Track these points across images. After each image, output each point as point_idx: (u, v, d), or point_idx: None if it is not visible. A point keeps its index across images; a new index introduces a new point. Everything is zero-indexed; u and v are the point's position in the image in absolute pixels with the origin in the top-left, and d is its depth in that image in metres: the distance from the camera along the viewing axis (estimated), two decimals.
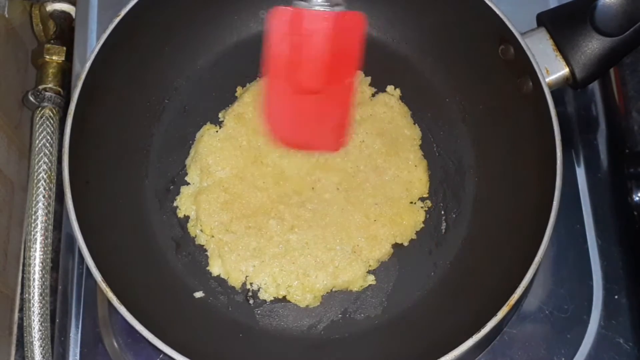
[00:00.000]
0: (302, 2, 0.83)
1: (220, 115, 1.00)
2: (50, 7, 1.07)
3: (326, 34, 0.84)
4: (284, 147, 0.93)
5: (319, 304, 0.91)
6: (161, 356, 0.90)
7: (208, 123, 0.99)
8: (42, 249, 0.93)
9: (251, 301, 0.91)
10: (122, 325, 0.91)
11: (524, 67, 0.87)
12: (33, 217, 0.94)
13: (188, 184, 0.96)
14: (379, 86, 1.01)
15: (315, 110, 0.88)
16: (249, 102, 0.99)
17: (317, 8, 0.83)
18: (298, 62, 0.86)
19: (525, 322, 0.92)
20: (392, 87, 1.02)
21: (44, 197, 0.94)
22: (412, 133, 0.99)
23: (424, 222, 0.95)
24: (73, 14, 1.08)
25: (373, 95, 1.01)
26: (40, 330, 0.90)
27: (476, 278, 0.90)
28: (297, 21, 0.84)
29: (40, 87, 1.01)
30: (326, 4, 0.83)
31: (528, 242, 0.82)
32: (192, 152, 0.98)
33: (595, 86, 1.04)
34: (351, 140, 0.97)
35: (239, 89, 1.01)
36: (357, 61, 0.86)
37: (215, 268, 0.92)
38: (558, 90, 0.91)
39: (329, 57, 0.85)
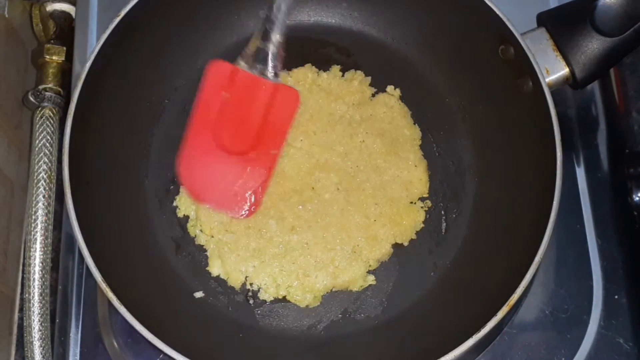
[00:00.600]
0: (244, 65, 0.88)
1: None
2: (50, 7, 1.07)
3: (260, 101, 0.87)
4: (192, 198, 0.93)
5: (319, 304, 0.91)
6: (161, 356, 0.90)
7: None
8: (42, 249, 0.93)
9: (251, 301, 0.91)
10: (122, 325, 0.91)
11: (524, 67, 0.87)
12: (33, 217, 0.94)
13: None
14: (379, 86, 1.01)
15: (231, 172, 0.90)
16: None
17: (257, 74, 0.87)
18: (226, 121, 0.89)
19: (525, 322, 0.92)
20: (392, 87, 1.01)
21: (44, 197, 0.94)
22: (412, 133, 0.99)
23: (424, 222, 0.95)
24: (73, 14, 1.08)
25: (373, 95, 1.01)
26: (40, 330, 0.90)
27: (476, 278, 0.90)
28: (234, 80, 0.88)
29: (40, 87, 1.01)
30: (268, 74, 0.88)
31: (528, 242, 0.82)
32: None
33: (595, 86, 1.04)
34: (351, 140, 0.97)
35: None
36: (284, 135, 0.90)
37: (215, 268, 0.92)
38: (558, 90, 0.91)
39: (257, 124, 0.88)
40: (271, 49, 0.88)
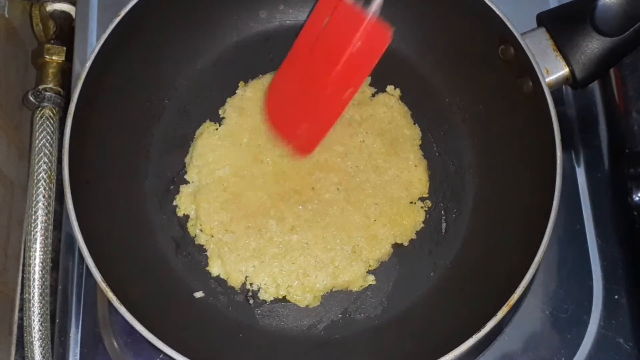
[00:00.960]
0: None
1: (220, 111, 1.00)
2: (50, 7, 1.07)
3: (350, 35, 0.84)
4: (270, 127, 0.93)
5: (319, 304, 0.91)
6: (161, 356, 0.90)
7: (207, 121, 0.99)
8: (42, 249, 0.93)
9: (251, 301, 0.91)
10: (122, 325, 0.91)
11: (524, 67, 0.87)
12: (33, 217, 0.94)
13: (188, 183, 0.96)
14: (379, 86, 1.01)
15: (307, 104, 0.89)
16: (250, 97, 0.99)
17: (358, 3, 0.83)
18: (318, 50, 0.86)
19: (525, 322, 0.92)
20: (392, 87, 1.02)
21: (44, 197, 0.94)
22: (412, 133, 0.99)
23: (424, 222, 0.95)
24: (73, 14, 1.08)
25: (373, 95, 1.01)
26: (40, 330, 0.90)
27: (476, 278, 0.90)
28: (337, 8, 0.85)
29: (40, 87, 1.01)
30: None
31: (528, 242, 0.82)
32: (191, 149, 0.98)
33: (595, 86, 1.04)
34: (351, 140, 0.97)
35: (241, 84, 1.01)
36: (363, 75, 0.87)
37: (215, 268, 0.92)
38: (558, 90, 0.91)
39: (342, 58, 0.85)
40: None
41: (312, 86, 0.88)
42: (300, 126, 0.90)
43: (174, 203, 0.96)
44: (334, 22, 0.85)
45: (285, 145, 0.92)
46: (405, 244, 0.94)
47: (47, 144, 0.97)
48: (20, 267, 1.01)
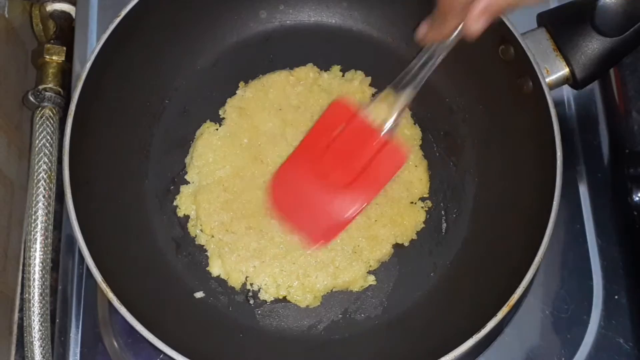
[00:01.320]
0: (366, 110, 0.87)
1: (220, 111, 1.00)
2: (50, 7, 1.07)
3: (367, 150, 0.87)
4: (276, 214, 0.92)
5: (319, 304, 0.91)
6: (161, 356, 0.90)
7: (207, 121, 0.99)
8: (42, 249, 0.93)
9: (251, 301, 0.91)
10: (122, 325, 0.91)
11: (524, 67, 0.87)
12: (33, 217, 0.94)
13: (188, 183, 0.96)
14: (379, 86, 1.01)
15: (321, 201, 0.90)
16: (250, 97, 0.99)
17: (374, 125, 0.86)
18: (329, 156, 0.89)
19: (525, 322, 0.92)
20: None
21: (44, 197, 0.94)
22: (412, 133, 0.99)
23: (424, 222, 0.95)
24: (73, 14, 1.08)
25: (373, 95, 1.01)
26: (40, 330, 0.90)
27: (476, 278, 0.90)
28: (351, 121, 0.88)
29: (40, 87, 1.01)
30: (385, 127, 0.87)
31: (528, 242, 0.82)
32: (191, 149, 0.98)
33: (595, 86, 1.04)
34: None
35: (241, 84, 1.01)
36: (377, 190, 0.89)
37: (215, 268, 0.92)
38: (558, 90, 0.91)
39: (356, 170, 0.88)
40: (399, 104, 0.86)
41: (322, 190, 0.90)
42: (307, 221, 0.91)
43: (174, 203, 0.96)
44: (350, 133, 0.88)
45: (292, 233, 0.92)
46: (406, 244, 0.94)
47: (47, 144, 0.97)
48: (20, 267, 1.00)
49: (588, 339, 0.91)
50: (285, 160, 0.94)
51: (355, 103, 0.89)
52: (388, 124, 0.87)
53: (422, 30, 0.80)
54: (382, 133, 0.87)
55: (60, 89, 1.02)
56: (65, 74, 1.04)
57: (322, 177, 0.89)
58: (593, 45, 0.87)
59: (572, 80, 0.89)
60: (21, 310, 0.96)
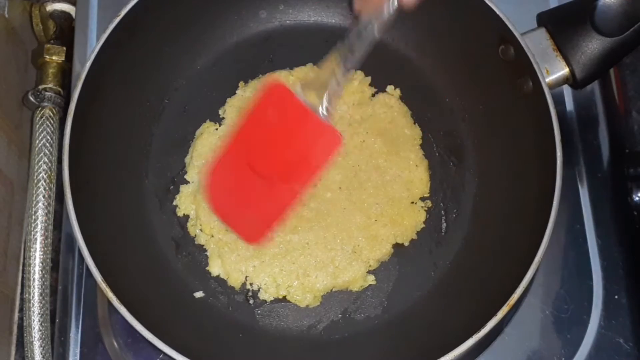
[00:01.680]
0: (299, 92, 0.80)
1: (220, 111, 1.00)
2: (50, 7, 1.07)
3: (302, 134, 0.81)
4: (214, 214, 0.90)
5: (319, 304, 0.91)
6: (161, 356, 0.90)
7: (207, 121, 0.99)
8: (42, 249, 0.93)
9: (251, 301, 0.91)
10: (122, 325, 0.91)
11: (524, 67, 0.87)
12: (33, 217, 0.94)
13: (188, 183, 0.96)
14: (379, 86, 1.01)
15: (254, 194, 0.86)
16: (250, 97, 0.99)
17: (309, 106, 0.80)
18: (263, 142, 0.84)
19: (525, 322, 0.92)
20: (392, 87, 1.02)
21: (44, 197, 0.94)
22: (412, 133, 0.99)
23: (424, 222, 0.95)
24: (73, 14, 1.08)
25: (373, 95, 1.01)
26: (40, 330, 0.90)
27: (476, 278, 0.90)
28: (285, 104, 0.81)
29: (40, 87, 1.01)
30: (320, 109, 0.80)
31: (528, 242, 0.82)
32: (191, 149, 0.98)
33: (595, 86, 1.04)
34: (352, 139, 0.97)
35: (241, 84, 1.01)
36: (312, 174, 0.83)
37: (215, 268, 0.92)
38: (558, 90, 0.91)
39: (291, 155, 0.83)
40: (333, 85, 0.79)
41: (256, 178, 0.84)
42: (244, 215, 0.87)
43: (174, 203, 0.96)
44: (283, 119, 0.82)
45: (234, 232, 0.89)
46: (406, 244, 0.94)
47: (47, 144, 0.97)
48: (20, 267, 1.00)
49: (588, 339, 0.91)
50: (218, 155, 0.88)
51: (287, 86, 0.82)
52: (323, 105, 0.80)
53: (357, 3, 0.77)
54: (319, 115, 0.80)
55: (60, 89, 1.02)
56: (65, 74, 1.04)
57: (256, 168, 0.84)
58: (593, 45, 0.87)
59: (572, 80, 0.89)
60: (21, 310, 0.96)
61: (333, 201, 0.94)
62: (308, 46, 1.03)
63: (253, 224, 0.86)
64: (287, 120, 0.82)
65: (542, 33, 0.89)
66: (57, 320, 0.93)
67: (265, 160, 0.84)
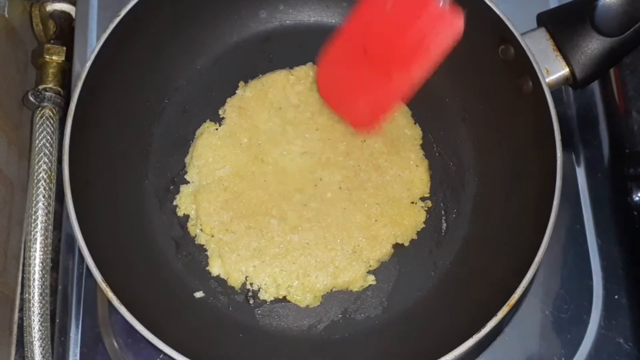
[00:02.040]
0: None
1: (220, 111, 1.00)
2: (50, 7, 1.07)
3: (419, 20, 0.79)
4: (326, 103, 0.89)
5: (319, 304, 0.91)
6: (161, 356, 0.90)
7: (207, 121, 0.99)
8: (42, 249, 0.93)
9: (251, 301, 0.91)
10: (122, 325, 0.91)
11: (524, 67, 0.87)
12: (33, 217, 0.94)
13: (188, 183, 0.96)
14: None
15: (367, 81, 0.84)
16: (250, 97, 0.99)
17: None
18: (380, 26, 0.81)
19: (525, 322, 0.92)
20: None
21: (44, 197, 0.94)
22: (412, 133, 0.99)
23: (424, 222, 0.95)
24: (73, 14, 1.08)
25: None
26: (40, 330, 0.90)
27: (476, 278, 0.90)
28: None
29: (40, 87, 1.01)
30: None
31: (528, 242, 0.82)
32: (191, 149, 0.98)
33: (595, 86, 1.04)
34: (352, 139, 0.97)
35: (241, 84, 1.01)
36: (430, 62, 0.81)
37: (215, 268, 0.92)
38: (558, 90, 0.91)
39: (409, 39, 0.80)
40: None
41: (369, 64, 0.82)
42: (355, 102, 0.85)
43: (174, 203, 0.96)
44: (399, 5, 0.79)
45: (343, 120, 0.87)
46: (406, 244, 0.94)
47: (47, 144, 0.97)
48: (20, 267, 1.01)
49: (588, 339, 0.91)
50: (332, 41, 0.86)
51: None
52: None
53: None
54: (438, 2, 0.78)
55: (60, 89, 1.02)
56: (65, 74, 1.04)
57: (372, 53, 0.82)
58: (593, 45, 0.87)
59: (572, 80, 0.89)
60: (21, 310, 0.96)
61: (333, 201, 0.94)
62: (308, 46, 1.03)
63: (363, 110, 0.85)
64: (405, 3, 0.80)
65: (542, 33, 0.89)
66: (57, 320, 0.93)
67: (381, 44, 0.81)
